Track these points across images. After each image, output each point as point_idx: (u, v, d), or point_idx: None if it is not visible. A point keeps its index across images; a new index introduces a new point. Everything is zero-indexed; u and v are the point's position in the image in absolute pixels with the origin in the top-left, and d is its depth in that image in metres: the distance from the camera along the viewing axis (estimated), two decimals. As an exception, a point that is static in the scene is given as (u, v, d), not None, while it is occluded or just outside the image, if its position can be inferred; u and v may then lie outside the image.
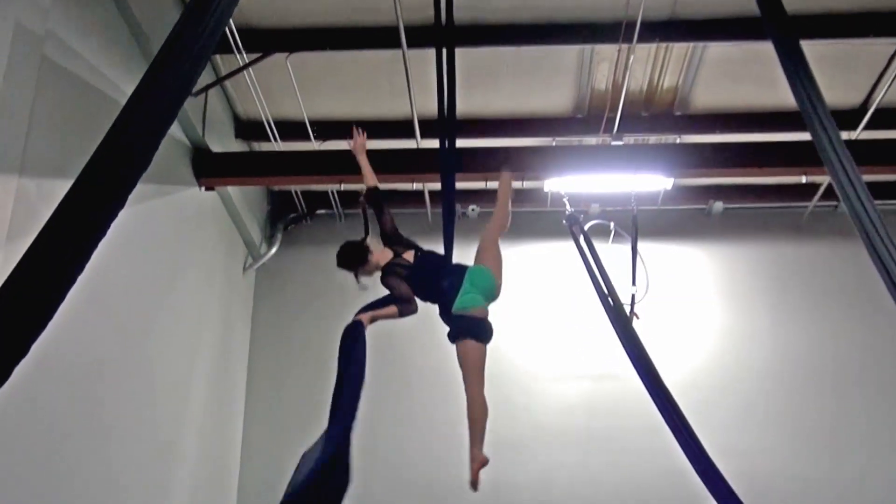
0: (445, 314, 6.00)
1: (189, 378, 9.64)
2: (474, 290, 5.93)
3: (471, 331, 5.88)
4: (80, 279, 2.99)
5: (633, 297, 9.43)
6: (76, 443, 7.11)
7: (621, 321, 7.56)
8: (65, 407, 6.92)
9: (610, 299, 7.70)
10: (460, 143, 10.10)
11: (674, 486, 10.18)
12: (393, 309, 6.02)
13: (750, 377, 11.22)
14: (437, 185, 11.40)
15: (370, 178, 6.72)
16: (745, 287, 11.70)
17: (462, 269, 6.08)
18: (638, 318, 9.09)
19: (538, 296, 11.71)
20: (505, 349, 11.44)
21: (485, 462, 5.74)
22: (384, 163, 9.41)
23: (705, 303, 11.65)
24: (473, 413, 5.89)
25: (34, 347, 2.91)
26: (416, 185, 11.00)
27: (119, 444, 7.86)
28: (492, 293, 6.03)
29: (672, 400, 6.77)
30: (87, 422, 7.27)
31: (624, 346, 7.33)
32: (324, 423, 10.27)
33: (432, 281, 6.08)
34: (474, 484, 5.72)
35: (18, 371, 2.90)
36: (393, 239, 6.46)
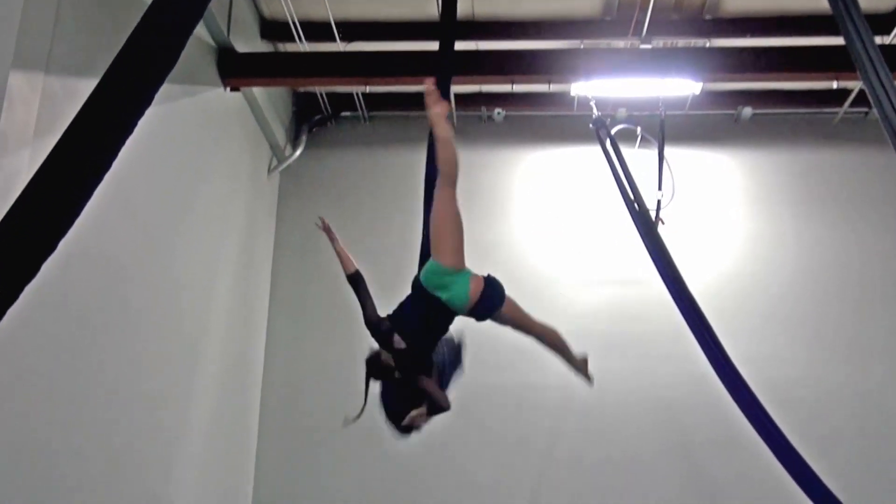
0: (468, 315, 5.54)
1: (214, 279, 9.72)
2: (446, 290, 5.33)
3: (487, 308, 5.46)
4: (106, 178, 3.00)
5: (658, 202, 9.38)
6: (104, 338, 7.23)
7: (646, 227, 7.54)
8: (92, 303, 7.02)
9: (635, 205, 7.68)
10: (488, 45, 10.00)
11: (696, 391, 10.27)
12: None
13: (774, 285, 11.20)
14: (463, 88, 11.39)
15: (348, 265, 6.30)
16: (772, 194, 11.60)
17: (420, 286, 5.46)
18: (663, 223, 9.05)
19: (563, 200, 11.68)
20: (529, 254, 11.48)
21: (586, 358, 6.02)
22: (408, 66, 9.37)
23: (732, 209, 11.57)
24: (549, 342, 5.94)
25: (62, 245, 2.93)
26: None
27: (144, 341, 7.97)
28: (448, 275, 5.32)
29: (696, 306, 6.79)
30: (114, 318, 7.38)
31: (649, 252, 7.33)
32: (346, 322, 10.39)
33: (425, 325, 5.49)
34: (591, 378, 6.06)
35: (48, 267, 2.93)
36: (374, 327, 5.71)
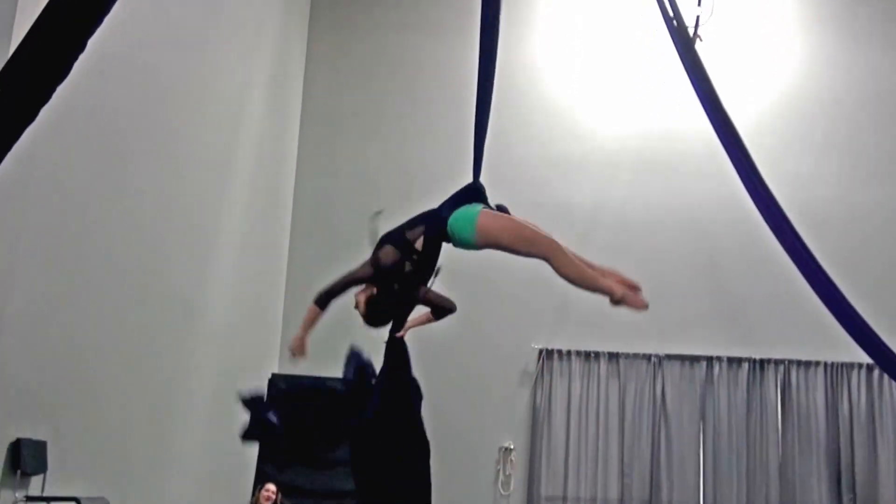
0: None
1: (245, 87, 9.67)
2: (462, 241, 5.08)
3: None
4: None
5: (697, 18, 9.16)
6: (136, 142, 7.31)
7: (684, 43, 7.35)
8: (128, 108, 7.07)
9: (674, 21, 7.46)
10: None
11: (727, 209, 10.26)
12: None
13: (810, 102, 11.01)
14: None
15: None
16: (813, 9, 11.26)
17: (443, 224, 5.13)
18: (701, 40, 8.85)
19: (595, 14, 11.40)
20: (560, 73, 11.31)
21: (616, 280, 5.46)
22: None
23: (771, 25, 11.25)
24: (571, 278, 5.32)
25: (93, 47, 2.91)
26: None
27: (178, 148, 8.04)
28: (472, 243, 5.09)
29: (730, 124, 6.68)
30: (145, 123, 7.44)
31: (685, 69, 7.17)
32: (381, 122, 10.32)
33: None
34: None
35: (80, 70, 2.92)
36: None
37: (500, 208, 5.28)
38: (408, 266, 5.12)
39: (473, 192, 5.35)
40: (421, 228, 5.10)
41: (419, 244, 5.08)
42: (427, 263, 5.17)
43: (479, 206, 5.14)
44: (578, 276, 5.32)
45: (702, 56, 6.98)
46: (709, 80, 6.78)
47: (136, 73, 7.17)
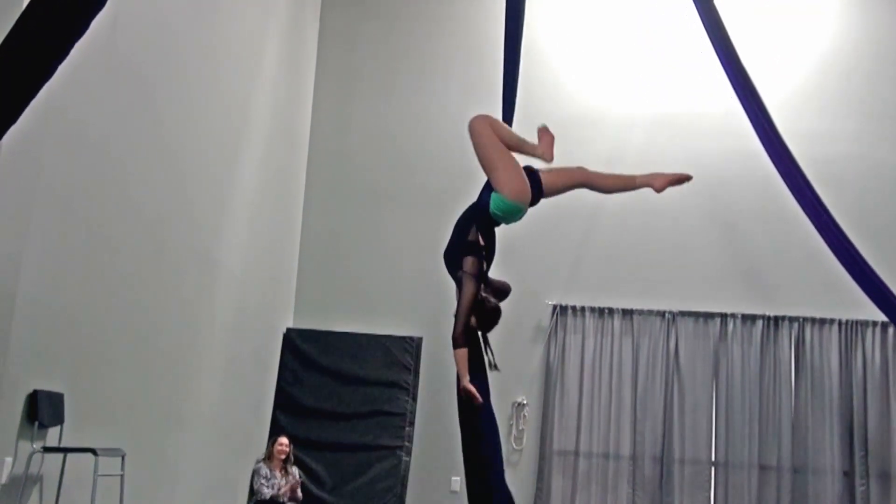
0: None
1: (260, 44, 9.65)
2: (516, 216, 5.67)
3: (535, 202, 5.74)
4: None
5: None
6: (152, 98, 7.32)
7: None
8: (147, 59, 7.11)
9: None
10: None
11: (743, 166, 10.23)
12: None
13: (824, 58, 10.89)
14: None
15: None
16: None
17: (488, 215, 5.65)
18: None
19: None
20: (573, 32, 11.21)
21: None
22: None
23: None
24: (610, 187, 6.07)
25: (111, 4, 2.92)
26: None
27: (188, 105, 8.05)
28: (520, 210, 5.61)
29: (748, 78, 6.63)
30: (160, 78, 7.46)
31: (703, 25, 7.09)
32: (396, 77, 10.31)
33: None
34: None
35: (99, 24, 2.93)
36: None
37: (528, 170, 5.65)
38: (484, 265, 5.63)
39: None
40: (473, 226, 5.57)
41: (480, 240, 5.56)
42: (491, 251, 5.71)
43: None
44: (615, 183, 6.09)
45: (720, 12, 6.91)
46: (727, 35, 6.72)
47: (151, 31, 7.17)
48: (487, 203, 5.52)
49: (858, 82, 10.79)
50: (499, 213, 5.51)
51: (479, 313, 5.56)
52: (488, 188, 5.60)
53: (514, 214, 5.56)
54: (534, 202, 5.62)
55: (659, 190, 5.80)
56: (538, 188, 5.58)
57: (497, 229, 5.73)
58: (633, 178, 5.90)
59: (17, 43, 2.87)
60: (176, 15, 7.62)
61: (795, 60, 10.87)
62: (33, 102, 2.99)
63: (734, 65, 6.65)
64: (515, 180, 5.48)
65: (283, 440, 9.53)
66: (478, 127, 5.57)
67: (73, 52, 2.94)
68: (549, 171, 5.73)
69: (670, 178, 5.80)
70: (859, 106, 10.72)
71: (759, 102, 6.60)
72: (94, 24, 2.95)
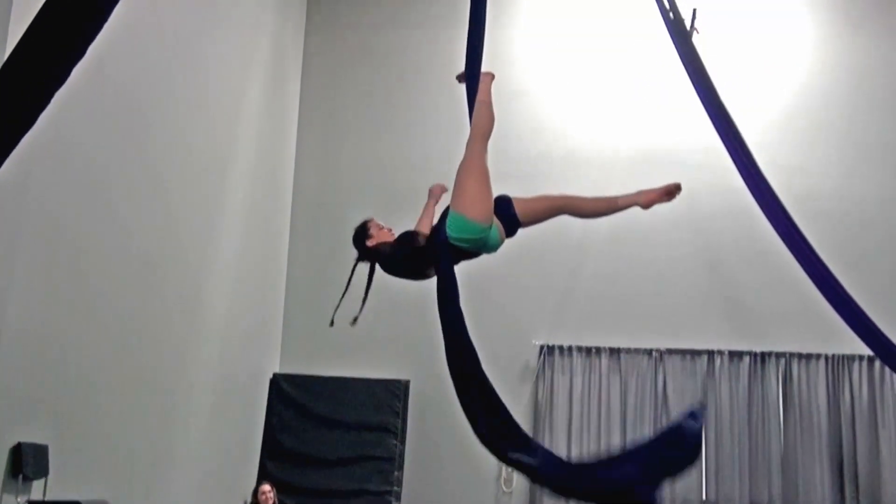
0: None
1: (243, 87, 9.69)
2: (484, 246, 5.04)
3: (511, 233, 5.24)
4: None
5: (694, 11, 9.13)
6: (149, 132, 7.39)
7: (681, 36, 7.34)
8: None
9: (671, 13, 7.45)
10: None
11: (726, 202, 10.23)
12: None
13: (804, 91, 10.95)
14: None
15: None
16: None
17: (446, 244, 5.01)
18: (698, 32, 8.82)
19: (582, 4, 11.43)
20: (549, 68, 11.28)
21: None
22: None
23: (765, 14, 11.20)
24: (576, 210, 5.56)
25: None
26: None
27: (170, 148, 8.08)
28: (484, 232, 4.93)
29: (727, 114, 6.68)
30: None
31: (683, 63, 7.16)
32: (381, 118, 10.25)
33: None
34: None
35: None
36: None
37: (501, 198, 5.18)
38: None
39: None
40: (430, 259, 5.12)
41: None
42: (449, 284, 4.98)
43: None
44: (596, 206, 5.65)
45: (699, 48, 6.98)
46: (705, 71, 6.78)
47: (134, 73, 7.19)
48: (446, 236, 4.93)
49: (839, 116, 10.80)
50: (455, 235, 4.85)
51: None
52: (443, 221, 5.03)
53: (475, 238, 4.90)
54: (511, 233, 5.18)
55: (646, 207, 5.53)
56: (512, 217, 5.15)
57: (481, 269, 5.46)
58: (615, 199, 5.61)
59: (18, 69, 2.89)
60: (159, 61, 7.66)
61: (773, 92, 10.92)
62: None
63: (714, 103, 6.71)
64: (485, 201, 4.91)
65: (266, 487, 9.40)
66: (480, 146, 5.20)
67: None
68: (524, 198, 5.29)
69: (659, 192, 5.55)
70: (841, 140, 10.74)
71: (739, 137, 6.64)
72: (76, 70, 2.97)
